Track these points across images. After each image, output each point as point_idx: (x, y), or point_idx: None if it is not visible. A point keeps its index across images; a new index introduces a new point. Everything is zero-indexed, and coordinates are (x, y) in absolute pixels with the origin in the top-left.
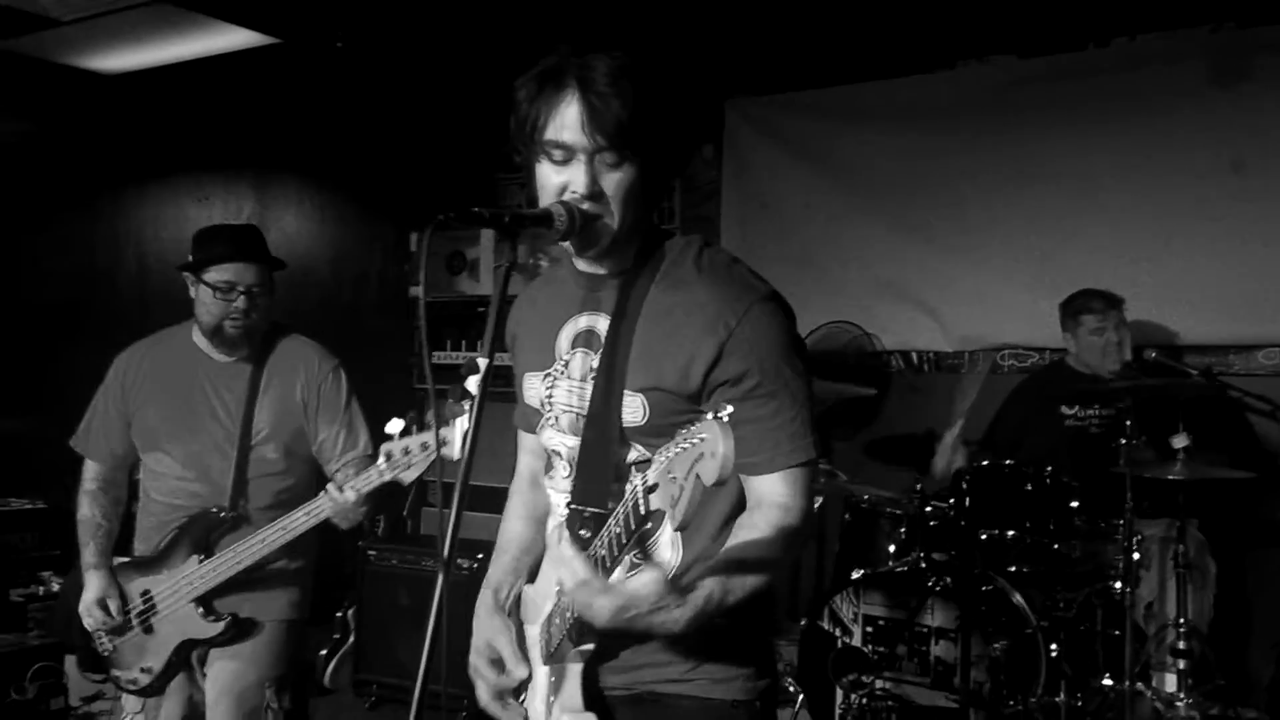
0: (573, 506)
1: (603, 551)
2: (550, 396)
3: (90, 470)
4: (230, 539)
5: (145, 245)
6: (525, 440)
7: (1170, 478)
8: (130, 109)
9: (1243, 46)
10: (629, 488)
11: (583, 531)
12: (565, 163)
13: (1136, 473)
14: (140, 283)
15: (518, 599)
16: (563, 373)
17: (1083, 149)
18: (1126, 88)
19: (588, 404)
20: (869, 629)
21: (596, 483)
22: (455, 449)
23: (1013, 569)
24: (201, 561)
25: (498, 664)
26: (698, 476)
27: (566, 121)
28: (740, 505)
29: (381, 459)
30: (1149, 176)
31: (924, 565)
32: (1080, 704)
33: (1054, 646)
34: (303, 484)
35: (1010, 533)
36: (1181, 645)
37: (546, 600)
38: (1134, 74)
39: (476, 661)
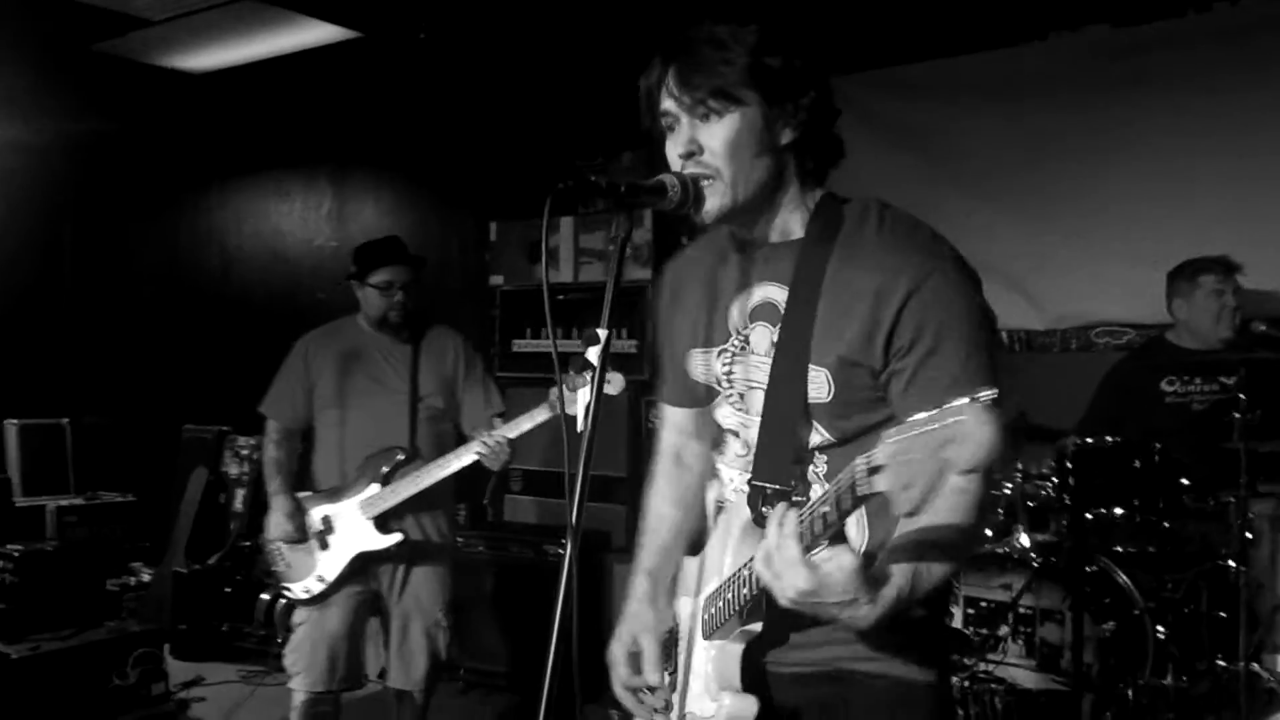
0: (754, 483)
1: (803, 528)
2: (730, 372)
3: (273, 427)
4: (405, 470)
5: (228, 242)
6: (672, 416)
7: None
8: (214, 107)
9: None
10: (850, 467)
11: (764, 509)
12: (674, 131)
13: (1253, 448)
14: (224, 279)
15: (674, 583)
16: (744, 347)
17: (1181, 119)
18: (1229, 55)
19: (769, 380)
20: (970, 610)
21: (778, 460)
22: (616, 388)
23: (1119, 549)
24: (384, 485)
25: (635, 660)
26: (946, 461)
27: (663, 91)
28: None
29: (544, 406)
30: (1252, 146)
31: (1026, 545)
32: (1187, 686)
33: (1160, 628)
34: (450, 432)
35: (1118, 511)
36: None
37: (711, 574)
38: (1236, 40)
39: (616, 651)
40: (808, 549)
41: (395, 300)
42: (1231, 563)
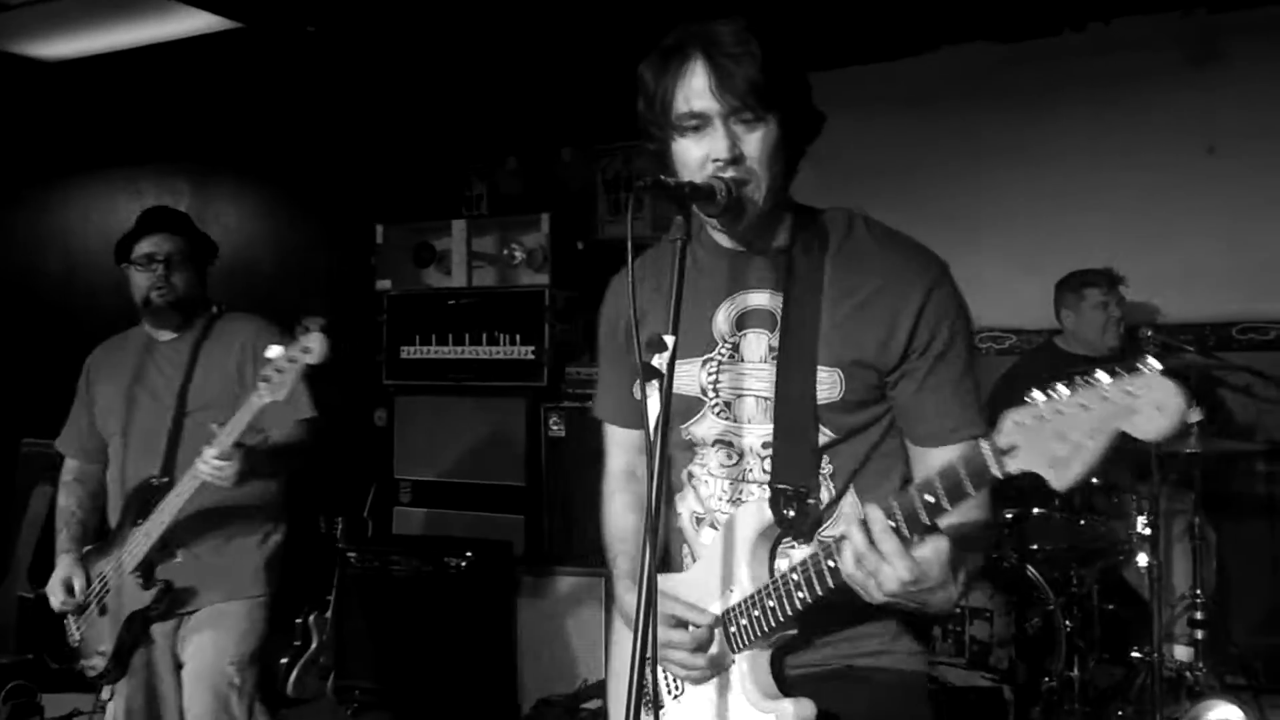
0: (775, 485)
1: (898, 522)
2: (716, 381)
3: (67, 465)
4: (159, 504)
5: (72, 242)
6: (622, 436)
7: (1188, 451)
8: (63, 98)
9: (1214, 30)
10: (971, 451)
11: (787, 511)
12: (701, 131)
13: (1159, 449)
14: (67, 282)
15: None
16: (732, 355)
17: (1060, 133)
18: (1104, 71)
19: (773, 384)
20: None
21: (797, 461)
22: (317, 354)
23: (1034, 547)
24: (135, 529)
25: (682, 625)
26: (1120, 434)
27: (695, 89)
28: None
29: (259, 385)
30: (1126, 160)
31: None
32: (1091, 678)
33: (1068, 623)
34: None
35: (1035, 510)
36: (1199, 616)
37: (726, 586)
38: (1109, 58)
39: (669, 636)
40: (905, 541)
41: (157, 276)
42: (1140, 559)
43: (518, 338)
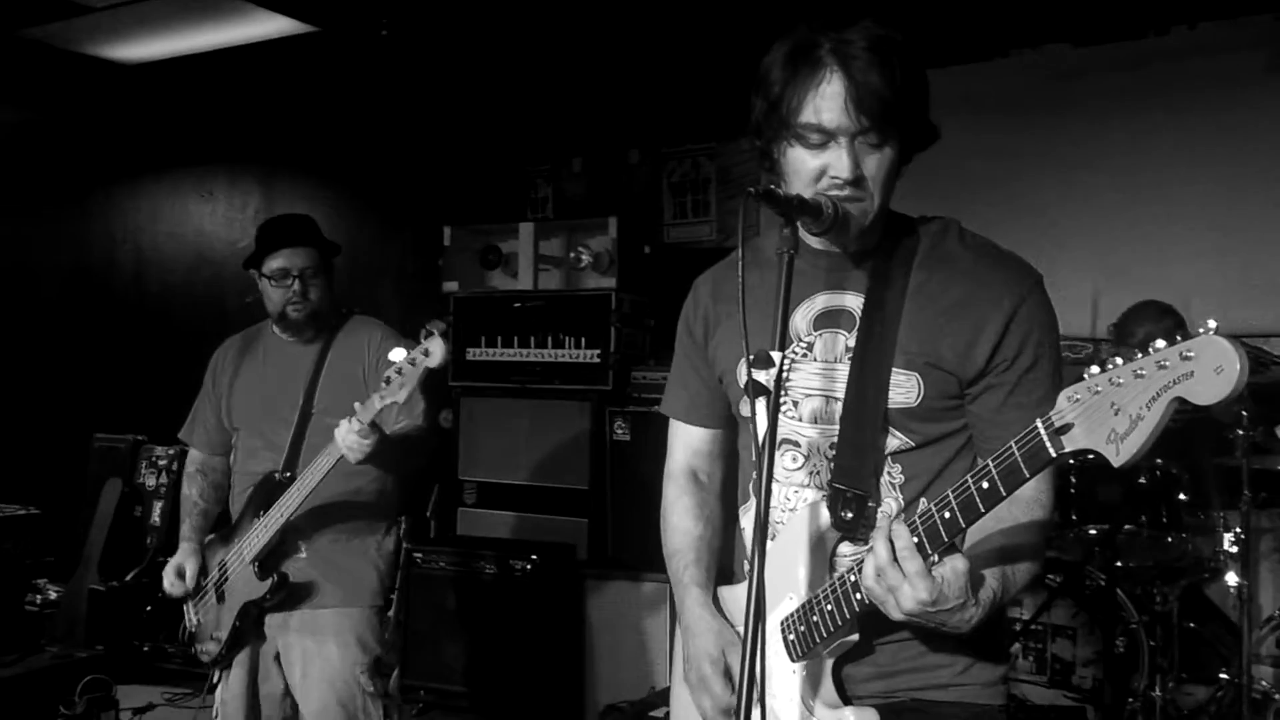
0: (835, 485)
1: (920, 537)
2: (788, 380)
3: (191, 455)
4: (280, 498)
5: (143, 241)
6: (689, 435)
7: (1278, 469)
8: (138, 100)
9: None
10: (1026, 432)
11: (845, 513)
12: (823, 146)
13: (1256, 464)
14: (138, 280)
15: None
16: (805, 354)
17: (1138, 140)
18: (1185, 77)
19: (843, 385)
20: None
21: (858, 464)
22: (437, 359)
23: (1119, 564)
24: (260, 520)
25: (729, 678)
26: (1177, 401)
27: (827, 103)
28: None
29: (382, 385)
30: (1208, 167)
31: None
32: (1172, 698)
33: (1151, 642)
34: None
35: (1127, 526)
36: None
37: (784, 594)
38: (1193, 63)
39: (707, 671)
40: (926, 557)
41: (293, 292)
42: (1231, 576)
43: (583, 341)
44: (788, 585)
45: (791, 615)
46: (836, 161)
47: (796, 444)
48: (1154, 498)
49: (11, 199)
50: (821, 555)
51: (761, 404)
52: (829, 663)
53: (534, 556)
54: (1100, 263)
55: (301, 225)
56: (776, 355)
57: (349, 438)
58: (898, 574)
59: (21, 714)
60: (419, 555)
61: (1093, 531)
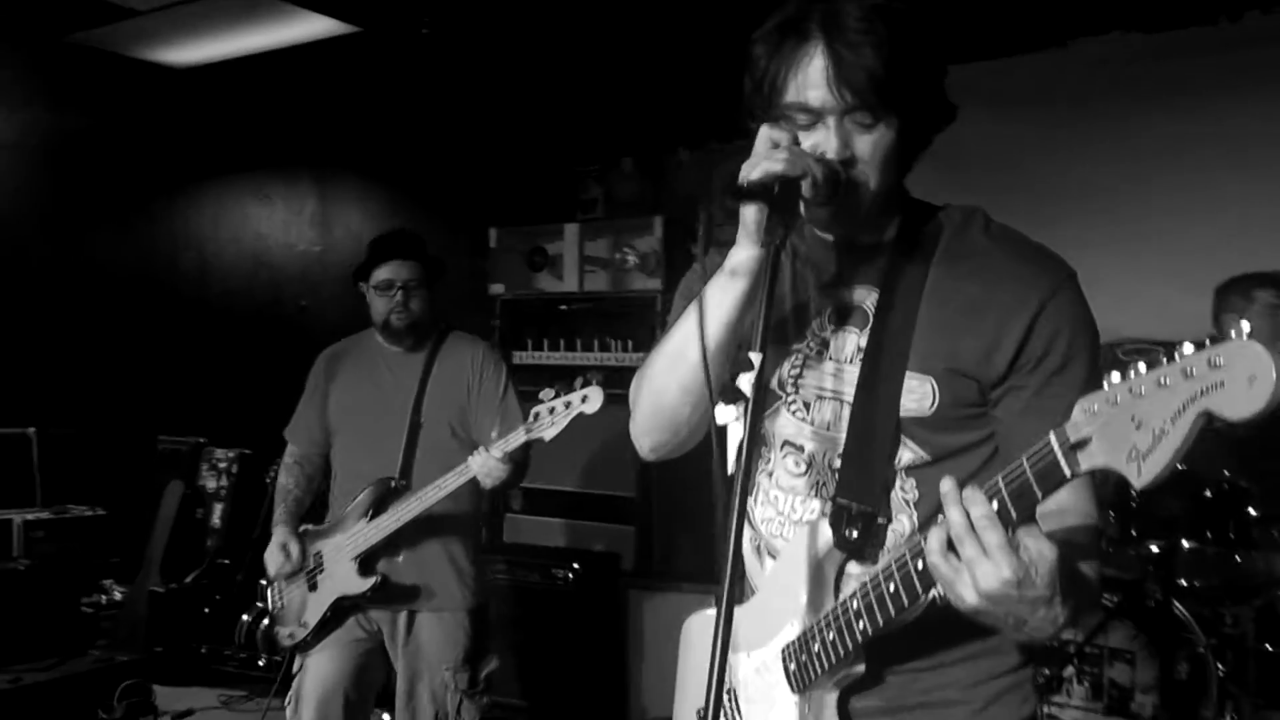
0: (838, 500)
1: (1001, 507)
2: (799, 376)
3: (289, 449)
4: (394, 502)
5: (205, 245)
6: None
7: None
8: (194, 103)
9: None
10: (1039, 446)
11: (849, 532)
12: (811, 126)
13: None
14: (201, 283)
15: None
16: (820, 351)
17: (1212, 130)
18: (1262, 63)
19: (852, 389)
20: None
21: (865, 477)
22: (594, 406)
23: (1183, 583)
24: (369, 521)
25: None
26: (1205, 416)
27: (811, 79)
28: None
29: (530, 417)
30: None
31: None
32: None
33: (1220, 666)
34: (464, 458)
35: (1186, 544)
36: None
37: (785, 620)
38: (1268, 50)
39: None
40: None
41: (396, 301)
42: None
43: (630, 344)
44: (789, 609)
45: (792, 643)
46: (825, 142)
47: (800, 448)
48: (1221, 512)
49: (77, 205)
50: (823, 577)
51: (735, 412)
52: (833, 695)
53: (576, 566)
54: (1174, 263)
55: (408, 240)
56: (755, 357)
57: (489, 464)
58: (976, 546)
59: (60, 718)
60: (499, 573)
61: (1154, 548)
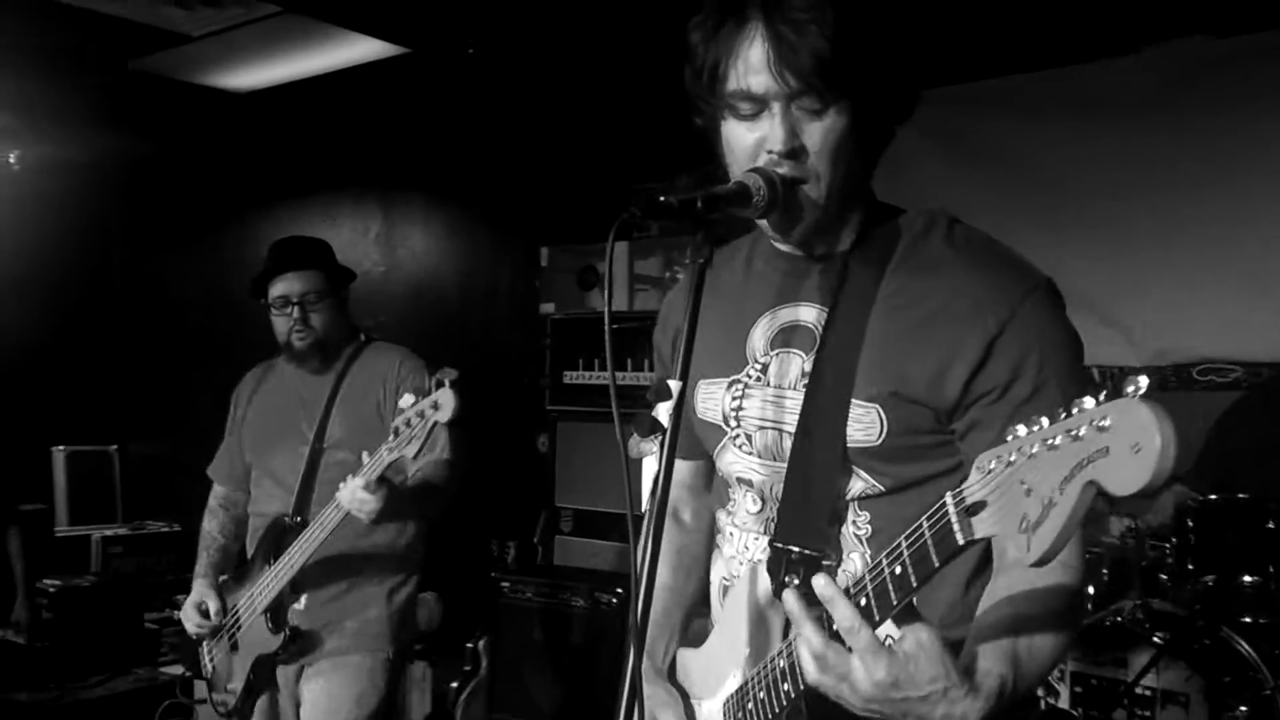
0: (776, 545)
1: (861, 603)
2: (740, 409)
3: (214, 490)
4: (292, 546)
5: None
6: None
7: None
8: (259, 127)
9: None
10: (936, 508)
11: (788, 578)
12: (757, 116)
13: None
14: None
15: (673, 662)
16: (758, 379)
17: None
18: None
19: (797, 417)
20: (1078, 689)
21: (807, 516)
22: (447, 413)
23: (1246, 619)
24: (271, 567)
25: None
26: (1094, 486)
27: (752, 64)
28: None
29: (391, 434)
30: None
31: (1140, 615)
32: None
33: None
34: None
35: (1247, 578)
36: None
37: (728, 670)
38: None
39: None
40: (874, 627)
41: (294, 320)
42: None
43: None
44: (731, 659)
45: (732, 696)
46: (771, 132)
47: (751, 484)
48: None
49: (150, 227)
50: (764, 627)
51: (652, 445)
52: None
53: (619, 590)
54: (1248, 276)
55: (304, 248)
56: (675, 385)
57: (356, 495)
58: (842, 656)
59: None
60: (505, 585)
61: (1210, 581)
